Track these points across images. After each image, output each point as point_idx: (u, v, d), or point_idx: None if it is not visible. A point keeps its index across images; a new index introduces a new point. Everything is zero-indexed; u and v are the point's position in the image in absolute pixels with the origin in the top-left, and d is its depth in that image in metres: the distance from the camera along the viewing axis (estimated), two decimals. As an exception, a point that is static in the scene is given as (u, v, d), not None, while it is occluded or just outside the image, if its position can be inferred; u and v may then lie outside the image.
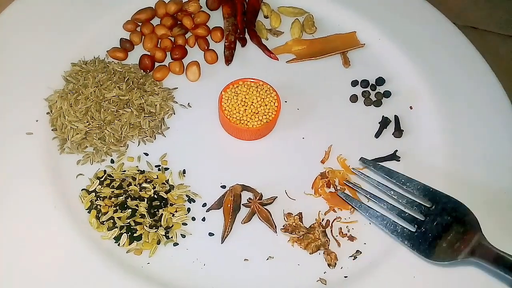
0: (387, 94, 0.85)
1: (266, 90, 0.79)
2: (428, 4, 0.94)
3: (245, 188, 0.72)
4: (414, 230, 0.65)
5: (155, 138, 0.78)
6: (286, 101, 0.83)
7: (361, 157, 0.73)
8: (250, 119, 0.77)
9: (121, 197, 0.68)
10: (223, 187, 0.74)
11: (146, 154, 0.76)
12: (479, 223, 0.62)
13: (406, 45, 0.89)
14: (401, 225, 0.66)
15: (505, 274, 0.57)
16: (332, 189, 0.75)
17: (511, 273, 0.56)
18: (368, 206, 0.69)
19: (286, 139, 0.80)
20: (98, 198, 0.69)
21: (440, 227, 0.63)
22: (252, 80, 0.79)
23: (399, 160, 0.79)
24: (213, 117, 0.80)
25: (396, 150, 0.79)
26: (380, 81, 0.86)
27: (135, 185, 0.70)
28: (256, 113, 0.77)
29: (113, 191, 0.69)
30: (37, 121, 0.75)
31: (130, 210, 0.68)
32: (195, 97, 0.83)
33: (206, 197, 0.73)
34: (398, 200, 0.68)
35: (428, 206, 0.66)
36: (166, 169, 0.75)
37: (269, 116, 0.77)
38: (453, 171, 0.76)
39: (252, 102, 0.78)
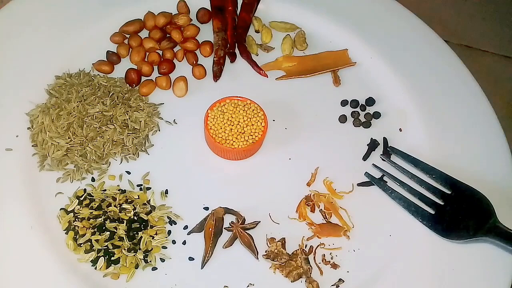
0: (377, 115, 0.83)
1: (253, 109, 0.77)
2: (422, 23, 0.93)
3: (228, 211, 0.71)
4: (433, 213, 0.71)
5: (138, 155, 0.76)
6: (274, 120, 0.81)
7: (390, 146, 0.79)
8: (236, 139, 0.75)
9: (100, 219, 0.67)
10: (206, 208, 0.73)
11: (128, 173, 0.74)
12: (494, 209, 0.68)
13: (398, 65, 0.87)
14: (421, 208, 0.72)
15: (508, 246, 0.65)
16: (318, 216, 0.73)
17: None
18: (393, 189, 0.74)
19: (272, 159, 0.78)
20: (76, 219, 0.67)
21: (458, 211, 0.70)
22: (239, 99, 0.78)
23: (386, 182, 0.77)
24: (198, 135, 0.79)
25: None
26: (370, 101, 0.85)
27: (115, 205, 0.68)
28: (242, 133, 0.76)
29: (91, 212, 0.67)
30: (17, 136, 0.73)
31: (108, 232, 0.66)
32: (181, 113, 0.81)
33: (187, 219, 0.72)
34: (421, 185, 0.74)
35: (449, 192, 0.72)
36: (148, 188, 0.73)
37: (256, 136, 0.76)
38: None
39: (239, 122, 0.76)
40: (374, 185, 0.77)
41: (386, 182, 0.77)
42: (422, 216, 0.72)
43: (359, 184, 0.77)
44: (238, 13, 0.91)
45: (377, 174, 0.78)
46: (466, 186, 0.72)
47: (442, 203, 0.72)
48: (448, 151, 0.79)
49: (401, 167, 0.76)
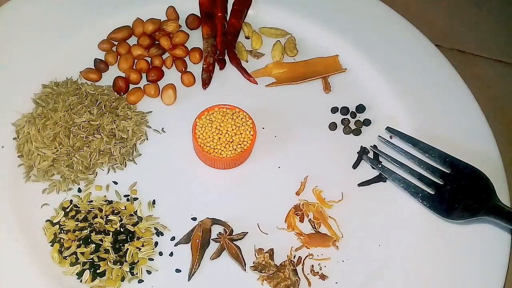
0: (367, 122, 0.82)
1: (242, 118, 0.77)
2: (413, 28, 0.92)
3: (215, 221, 0.70)
4: (433, 193, 0.71)
5: (126, 165, 0.75)
6: (263, 128, 0.81)
7: (387, 126, 0.78)
8: (224, 148, 0.75)
9: (86, 231, 0.66)
10: (194, 219, 0.72)
11: (115, 183, 0.74)
12: (494, 186, 0.67)
13: (389, 72, 0.87)
14: (421, 188, 0.72)
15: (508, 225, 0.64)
16: (307, 225, 0.72)
17: None
18: (392, 171, 0.74)
19: (261, 168, 0.78)
20: (62, 231, 0.66)
21: (457, 190, 0.69)
22: (227, 107, 0.77)
23: (386, 181, 0.77)
24: (186, 144, 0.78)
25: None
26: (361, 108, 0.84)
27: (101, 217, 0.68)
28: (231, 142, 0.75)
29: (77, 224, 0.67)
30: (2, 147, 0.73)
31: (94, 245, 0.65)
32: (169, 121, 0.80)
33: (175, 230, 0.71)
34: (420, 166, 0.74)
35: (448, 172, 0.71)
36: (135, 199, 0.72)
37: (244, 145, 0.75)
38: (429, 213, 0.74)
39: (227, 131, 0.76)
40: (376, 182, 0.76)
41: (381, 162, 0.77)
42: (422, 197, 0.72)
43: (360, 184, 0.77)
44: (227, 19, 0.90)
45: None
46: (465, 164, 0.71)
47: (442, 183, 0.72)
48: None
49: (400, 148, 0.76)
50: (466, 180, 0.70)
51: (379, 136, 0.79)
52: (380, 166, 0.76)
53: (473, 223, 0.71)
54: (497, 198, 0.67)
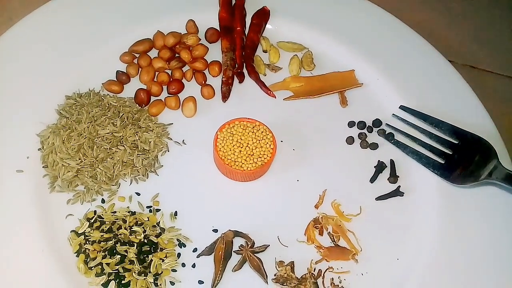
0: (390, 136, 0.84)
1: (262, 131, 0.78)
2: (428, 44, 0.93)
3: (237, 234, 0.71)
4: (443, 162, 0.78)
5: (148, 176, 0.77)
6: (282, 141, 0.82)
7: (401, 105, 0.84)
8: (244, 161, 0.76)
9: (111, 242, 0.67)
10: (215, 231, 0.73)
11: (138, 194, 0.75)
12: (496, 152, 0.74)
13: (404, 87, 0.88)
14: (432, 158, 0.79)
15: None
16: (326, 238, 0.73)
17: None
18: (406, 144, 0.81)
19: (281, 181, 0.79)
20: (87, 242, 0.68)
21: (465, 158, 0.77)
22: (248, 120, 0.78)
23: (403, 195, 0.79)
24: (207, 156, 0.79)
25: (399, 186, 0.79)
26: (377, 123, 0.86)
27: (125, 228, 0.69)
28: (251, 155, 0.76)
29: (102, 235, 0.68)
30: (28, 157, 0.74)
31: (119, 256, 0.66)
32: (190, 134, 0.82)
33: (197, 241, 0.72)
34: (431, 138, 0.81)
35: (456, 142, 0.78)
36: (158, 210, 0.73)
37: (264, 158, 0.76)
38: (448, 227, 0.76)
39: (248, 144, 0.77)
40: (393, 196, 0.78)
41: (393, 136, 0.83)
42: (433, 166, 0.78)
43: (378, 198, 0.79)
44: (246, 33, 0.91)
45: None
46: (471, 135, 0.77)
47: (451, 153, 0.78)
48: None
49: (412, 123, 0.83)
50: (472, 149, 0.77)
51: (393, 114, 0.85)
52: (394, 140, 0.82)
53: (478, 187, 0.77)
54: (500, 163, 0.73)
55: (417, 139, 0.82)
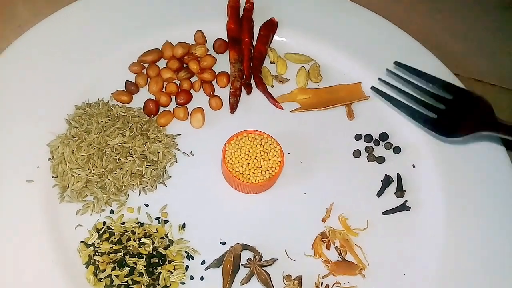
0: (397, 149, 0.84)
1: (270, 144, 0.78)
2: (433, 57, 0.94)
3: (245, 247, 0.72)
4: (435, 117, 0.77)
5: (156, 187, 0.77)
6: (289, 153, 0.82)
7: (395, 61, 0.82)
8: (253, 173, 0.76)
9: (120, 254, 0.68)
10: (223, 243, 0.74)
11: (146, 205, 0.75)
12: (491, 106, 0.73)
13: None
14: (424, 114, 0.78)
15: (507, 137, 0.71)
16: (333, 252, 0.74)
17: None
18: (398, 99, 0.81)
19: (288, 193, 0.79)
20: (97, 253, 0.68)
21: (457, 112, 0.76)
22: (256, 132, 0.79)
23: (409, 210, 0.79)
24: (215, 167, 0.80)
25: (406, 201, 0.80)
26: (384, 136, 0.86)
27: (134, 240, 0.69)
28: (259, 168, 0.77)
29: (111, 247, 0.68)
30: (38, 167, 0.74)
31: (128, 268, 0.67)
32: (198, 145, 0.82)
33: (205, 254, 0.72)
34: (425, 94, 0.79)
35: (449, 98, 0.77)
36: (166, 221, 0.74)
37: (272, 171, 0.77)
38: (455, 243, 0.76)
39: (256, 156, 0.77)
40: (400, 211, 0.79)
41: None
42: (425, 121, 0.78)
43: (385, 212, 0.79)
44: (254, 45, 0.92)
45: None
46: (466, 91, 0.77)
47: (444, 107, 0.77)
48: (462, 189, 0.81)
49: (406, 79, 0.81)
50: (466, 103, 0.76)
51: (387, 69, 0.85)
52: (386, 96, 0.81)
53: (471, 140, 0.80)
54: (496, 116, 0.73)
55: (409, 94, 0.81)
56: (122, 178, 0.75)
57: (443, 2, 1.10)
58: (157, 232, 0.72)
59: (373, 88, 0.82)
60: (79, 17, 0.87)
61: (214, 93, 0.87)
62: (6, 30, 0.94)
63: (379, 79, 0.84)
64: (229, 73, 0.89)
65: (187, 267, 0.71)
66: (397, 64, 0.83)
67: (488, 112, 0.73)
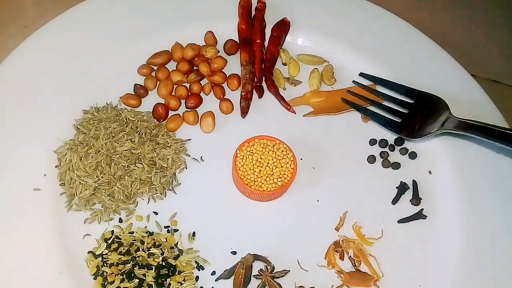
0: (413, 155, 0.82)
1: (282, 150, 0.76)
2: (450, 57, 0.91)
3: (257, 257, 0.70)
4: (400, 121, 0.82)
5: (166, 195, 0.75)
6: (301, 159, 0.80)
7: (361, 72, 0.88)
8: (264, 181, 0.74)
9: (129, 265, 0.66)
10: (234, 253, 0.72)
11: (156, 213, 0.74)
12: (448, 105, 0.80)
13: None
14: (390, 119, 0.83)
15: (467, 134, 0.77)
16: (347, 263, 0.72)
17: (470, 131, 0.76)
18: (366, 108, 0.85)
19: (300, 201, 0.78)
20: (105, 264, 0.66)
21: (419, 115, 0.82)
22: (268, 138, 0.77)
23: (425, 218, 0.77)
24: (225, 173, 0.78)
25: (422, 209, 0.78)
26: (399, 141, 0.84)
27: (143, 250, 0.68)
28: (271, 175, 0.75)
29: (120, 258, 0.66)
30: (45, 175, 0.72)
31: (137, 280, 0.65)
32: (208, 150, 0.80)
33: (215, 264, 0.71)
34: (389, 101, 0.85)
35: (411, 102, 0.83)
36: (176, 230, 0.72)
37: (285, 179, 0.75)
38: (473, 253, 0.74)
39: (268, 163, 0.75)
40: (415, 219, 0.77)
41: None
42: (391, 125, 0.83)
43: (400, 221, 0.77)
44: (266, 46, 0.90)
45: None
46: (424, 93, 0.82)
47: (407, 111, 0.83)
48: (480, 196, 0.78)
49: (370, 88, 0.87)
50: (425, 105, 0.82)
51: (353, 81, 0.88)
52: (356, 106, 0.85)
53: (433, 139, 0.82)
54: (450, 113, 0.79)
55: (375, 102, 0.85)
56: (131, 185, 0.74)
57: (461, 4, 1.06)
58: (166, 241, 0.70)
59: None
60: (86, 18, 0.86)
61: (225, 96, 0.85)
62: (12, 30, 0.93)
63: (348, 90, 0.87)
64: (240, 75, 0.87)
65: (197, 278, 0.69)
66: (362, 75, 0.88)
67: (446, 111, 0.79)
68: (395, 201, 0.79)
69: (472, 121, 0.77)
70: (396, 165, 0.82)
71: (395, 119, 0.83)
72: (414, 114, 0.83)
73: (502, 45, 1.03)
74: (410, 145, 0.84)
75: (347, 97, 0.86)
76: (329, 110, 0.86)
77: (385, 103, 0.86)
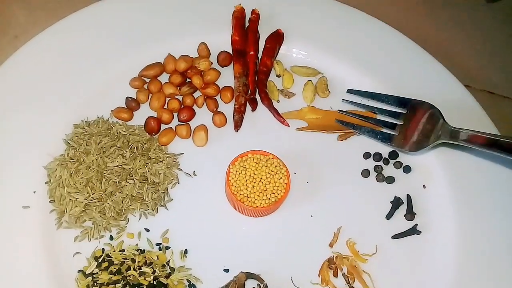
0: (407, 169, 0.81)
1: (276, 165, 0.75)
2: (444, 69, 0.90)
3: (249, 276, 0.69)
4: (396, 133, 0.81)
5: (157, 211, 0.74)
6: (295, 173, 0.79)
7: (348, 89, 0.86)
8: (257, 196, 0.73)
9: (119, 284, 0.65)
10: (226, 270, 0.71)
11: (147, 230, 0.73)
12: (441, 112, 0.78)
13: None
14: (387, 133, 0.82)
15: (462, 144, 0.74)
16: (341, 280, 0.71)
17: (465, 142, 0.74)
18: (361, 126, 0.83)
19: (294, 216, 0.77)
20: (95, 284, 0.65)
21: (414, 125, 0.80)
22: (261, 153, 0.76)
23: (420, 234, 0.77)
24: (218, 188, 0.77)
25: (416, 224, 0.77)
26: (393, 155, 0.83)
27: (134, 269, 0.67)
28: (265, 191, 0.74)
29: (111, 277, 0.65)
30: (34, 192, 0.71)
31: (129, 300, 0.64)
32: (201, 164, 0.79)
33: (207, 282, 0.70)
34: (382, 113, 0.83)
35: (404, 112, 0.81)
36: (167, 247, 0.71)
37: (278, 194, 0.74)
38: (467, 269, 0.74)
39: (261, 179, 0.74)
40: (410, 235, 0.76)
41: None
42: (389, 140, 0.81)
43: (394, 236, 0.76)
44: (259, 58, 0.89)
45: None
46: (416, 101, 0.80)
47: (402, 123, 0.81)
48: (475, 211, 0.78)
49: (361, 104, 0.85)
50: (418, 114, 0.80)
51: (343, 99, 0.86)
52: (351, 124, 0.83)
53: (431, 151, 0.81)
54: (446, 122, 0.77)
55: (369, 118, 0.84)
56: (122, 201, 0.73)
57: (456, 15, 1.06)
58: (158, 259, 0.69)
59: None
60: (77, 30, 0.84)
61: (218, 109, 0.84)
62: (1, 41, 0.91)
63: (339, 110, 0.85)
64: (233, 87, 0.86)
65: (189, 297, 0.68)
66: (349, 91, 0.86)
67: (439, 119, 0.78)
68: (389, 216, 0.78)
69: (468, 130, 0.75)
70: (390, 179, 0.81)
71: (392, 133, 0.82)
72: (409, 125, 0.81)
73: (497, 57, 1.03)
74: (404, 158, 0.83)
75: (340, 117, 0.85)
76: (323, 128, 0.85)
77: (379, 116, 0.84)
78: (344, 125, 0.83)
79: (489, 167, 0.81)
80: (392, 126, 0.82)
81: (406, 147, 0.80)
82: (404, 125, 0.81)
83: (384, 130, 0.83)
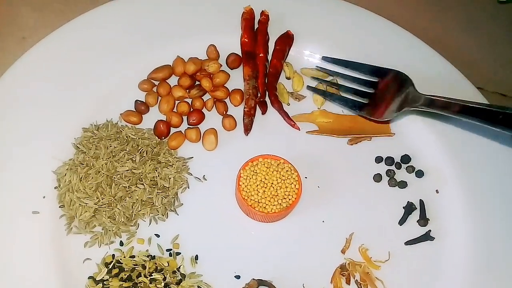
0: (420, 173, 0.80)
1: (287, 170, 0.74)
2: (456, 71, 0.88)
3: (261, 283, 0.68)
4: (367, 102, 0.80)
5: (168, 216, 0.73)
6: (306, 177, 0.78)
7: (323, 56, 0.86)
8: (269, 202, 0.72)
9: (130, 291, 0.64)
10: (237, 277, 0.70)
11: (157, 236, 0.72)
12: (412, 80, 0.77)
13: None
14: (357, 101, 0.81)
15: (430, 110, 0.74)
16: (353, 287, 0.70)
17: (435, 108, 0.73)
18: (332, 93, 0.84)
19: (305, 221, 0.76)
20: (106, 291, 0.64)
21: (385, 93, 0.79)
22: (272, 157, 0.75)
23: (433, 240, 0.76)
24: (228, 193, 0.76)
25: (430, 230, 0.76)
26: (406, 159, 0.82)
27: (144, 275, 0.66)
28: (276, 196, 0.73)
29: (121, 284, 0.64)
30: (44, 197, 0.70)
31: (139, 307, 0.63)
32: (211, 168, 0.78)
33: (218, 289, 0.69)
34: (353, 82, 0.83)
35: (376, 81, 0.81)
36: (178, 253, 0.70)
37: (289, 200, 0.73)
38: (482, 276, 0.73)
39: (272, 184, 0.73)
40: (423, 241, 0.75)
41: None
42: (359, 108, 0.81)
43: (407, 243, 0.75)
44: (269, 60, 0.88)
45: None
46: (387, 70, 0.80)
47: (373, 91, 0.81)
48: (490, 217, 0.76)
49: (334, 71, 0.85)
50: (390, 83, 0.79)
51: (316, 66, 0.86)
52: (321, 91, 0.84)
53: (401, 117, 0.82)
54: (416, 89, 0.76)
55: (341, 85, 0.84)
56: (132, 206, 0.72)
57: (471, 18, 1.05)
58: (168, 265, 0.68)
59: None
60: (86, 32, 0.83)
61: (228, 112, 0.83)
62: (9, 42, 0.90)
63: (312, 77, 0.86)
64: (243, 90, 0.85)
65: (200, 304, 0.67)
66: (324, 59, 0.86)
67: (410, 86, 0.77)
68: (402, 221, 0.77)
69: (438, 97, 0.73)
70: (403, 184, 0.80)
71: (362, 101, 0.81)
72: (380, 94, 0.80)
73: (509, 58, 1.02)
74: (416, 163, 0.82)
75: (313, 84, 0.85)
76: (334, 132, 0.84)
77: (352, 85, 0.84)
78: (315, 92, 0.84)
79: (504, 172, 0.80)
80: (364, 95, 0.82)
81: (375, 115, 0.79)
82: (375, 93, 0.81)
83: (356, 98, 0.82)
